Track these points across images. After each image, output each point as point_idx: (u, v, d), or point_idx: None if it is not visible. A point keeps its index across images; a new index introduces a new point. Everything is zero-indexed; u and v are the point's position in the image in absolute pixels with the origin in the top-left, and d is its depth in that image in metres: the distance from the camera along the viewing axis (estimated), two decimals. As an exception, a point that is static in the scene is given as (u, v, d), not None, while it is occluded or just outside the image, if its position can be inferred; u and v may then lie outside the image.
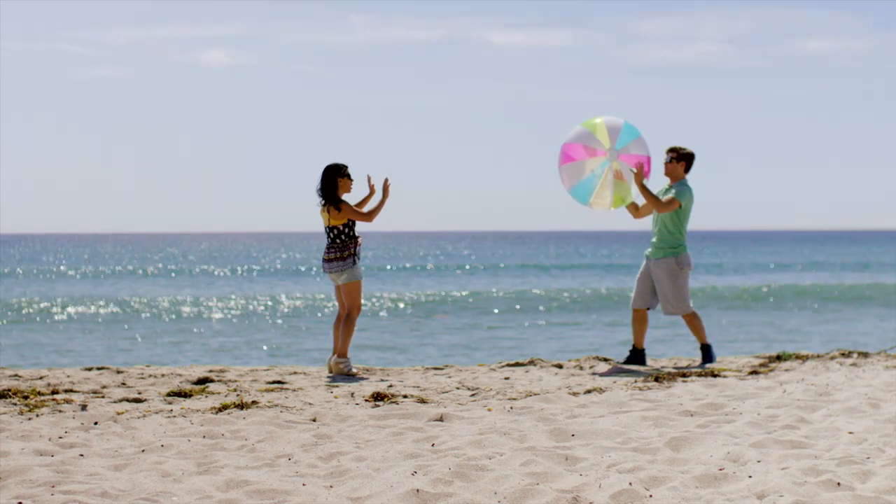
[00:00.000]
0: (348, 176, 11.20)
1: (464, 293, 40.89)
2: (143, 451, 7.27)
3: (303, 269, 64.70)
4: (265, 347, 23.63)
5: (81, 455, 7.10)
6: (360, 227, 11.40)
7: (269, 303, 36.35)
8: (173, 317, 31.23)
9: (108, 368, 11.50)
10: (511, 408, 8.88)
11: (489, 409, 8.82)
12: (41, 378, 10.67)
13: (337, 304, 11.52)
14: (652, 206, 11.51)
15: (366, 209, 11.35)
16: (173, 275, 58.73)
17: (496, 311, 32.85)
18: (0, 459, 6.90)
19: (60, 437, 7.63)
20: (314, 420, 8.41)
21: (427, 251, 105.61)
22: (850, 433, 7.57)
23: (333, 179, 11.15)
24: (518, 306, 34.46)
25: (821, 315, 30.92)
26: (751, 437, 7.48)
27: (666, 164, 11.77)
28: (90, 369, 11.45)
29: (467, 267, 67.01)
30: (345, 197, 11.22)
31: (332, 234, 11.22)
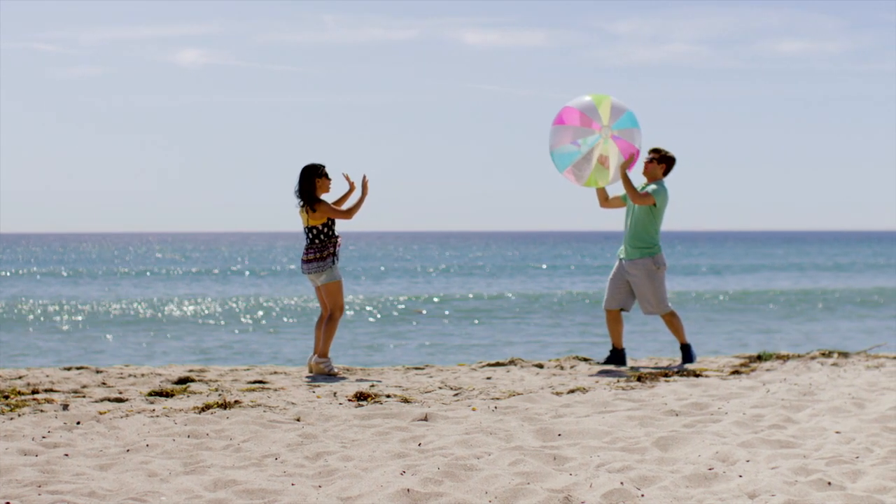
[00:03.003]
0: (326, 175, 11.15)
1: (438, 298, 40.86)
2: (127, 450, 7.20)
3: (277, 268, 64.52)
4: (240, 348, 23.54)
5: (66, 455, 7.03)
6: (340, 225, 11.35)
7: (244, 303, 36.22)
8: (145, 317, 31.07)
9: (87, 368, 11.41)
10: (495, 407, 8.86)
11: (473, 409, 8.80)
12: (20, 378, 10.58)
13: (319, 304, 11.46)
14: (629, 194, 11.48)
15: (345, 206, 11.32)
16: (148, 274, 58.44)
17: (460, 313, 32.84)
18: (-16, 459, 6.83)
19: (44, 437, 7.55)
20: (298, 420, 8.36)
21: (405, 252, 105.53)
22: (838, 433, 7.59)
23: (311, 180, 11.10)
24: (487, 310, 34.47)
25: (792, 317, 31.05)
26: (738, 437, 7.48)
27: (646, 163, 11.78)
28: (69, 369, 11.36)
29: (443, 267, 66.97)
30: (323, 196, 11.18)
31: (310, 235, 11.16)
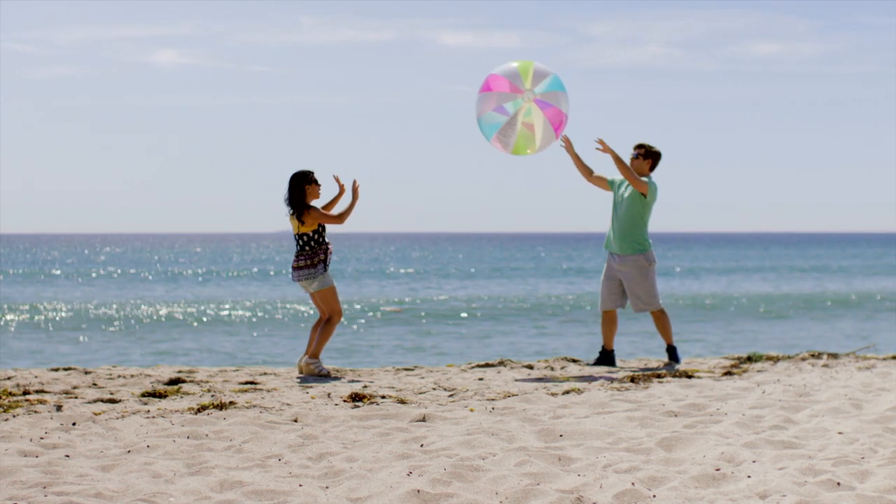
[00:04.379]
0: (315, 182, 11.08)
1: (412, 299, 40.80)
2: (128, 451, 7.13)
3: (255, 270, 64.31)
4: (218, 350, 23.43)
5: (67, 456, 6.95)
6: (330, 230, 11.28)
7: (216, 306, 36.08)
8: (119, 320, 30.89)
9: (74, 369, 11.32)
10: (492, 408, 8.82)
11: (471, 410, 8.76)
12: (9, 378, 10.48)
13: (317, 309, 11.38)
14: (626, 175, 11.44)
15: (335, 211, 11.25)
16: (115, 275, 58.14)
17: (433, 316, 32.81)
18: (-16, 460, 6.74)
19: (42, 438, 7.47)
20: (296, 420, 8.30)
21: (379, 252, 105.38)
22: (840, 433, 7.60)
23: (301, 187, 11.02)
24: (464, 314, 34.44)
25: (767, 321, 31.16)
26: (741, 438, 7.48)
27: (632, 159, 11.78)
28: (57, 370, 11.26)
29: (412, 269, 66.91)
30: (313, 203, 11.10)
31: (301, 241, 11.08)
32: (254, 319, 30.54)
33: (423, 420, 8.31)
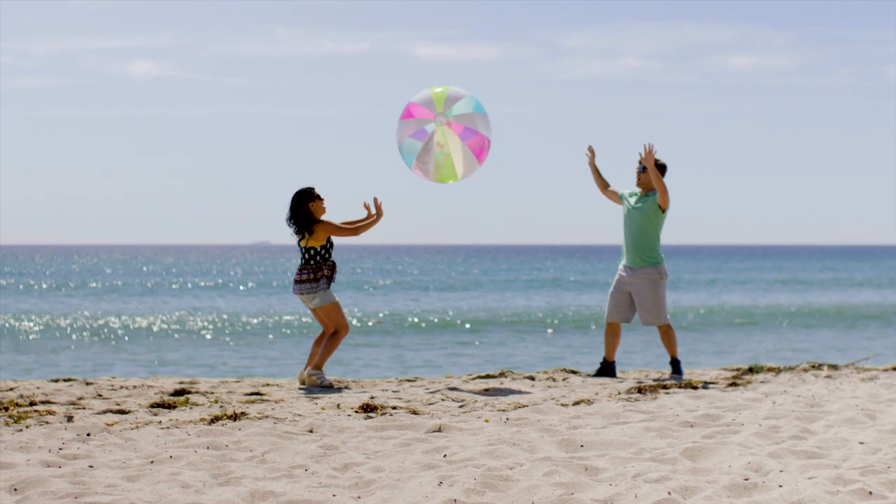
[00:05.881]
0: (318, 197, 10.99)
1: (388, 312, 40.77)
2: (151, 462, 7.07)
3: (232, 284, 64.05)
4: (203, 363, 23.32)
5: (91, 466, 6.89)
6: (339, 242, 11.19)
7: (192, 318, 35.92)
8: (98, 331, 30.70)
9: (75, 380, 11.24)
10: (507, 419, 8.81)
11: (486, 420, 8.74)
12: (11, 389, 10.38)
13: (320, 324, 11.30)
14: (658, 185, 11.44)
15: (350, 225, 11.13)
16: (93, 284, 57.77)
17: (404, 327, 32.78)
18: (10, 471, 6.67)
19: (60, 449, 7.40)
20: (311, 431, 8.26)
21: (355, 266, 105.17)
22: (861, 443, 7.62)
23: (305, 206, 10.92)
24: (435, 320, 34.41)
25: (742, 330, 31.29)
26: (763, 448, 7.48)
27: (639, 173, 11.80)
28: (57, 380, 11.18)
29: (389, 281, 66.80)
30: (324, 217, 10.98)
31: (307, 255, 10.98)
32: (228, 331, 30.42)
33: (440, 430, 8.29)
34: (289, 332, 30.48)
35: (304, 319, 33.86)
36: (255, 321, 33.83)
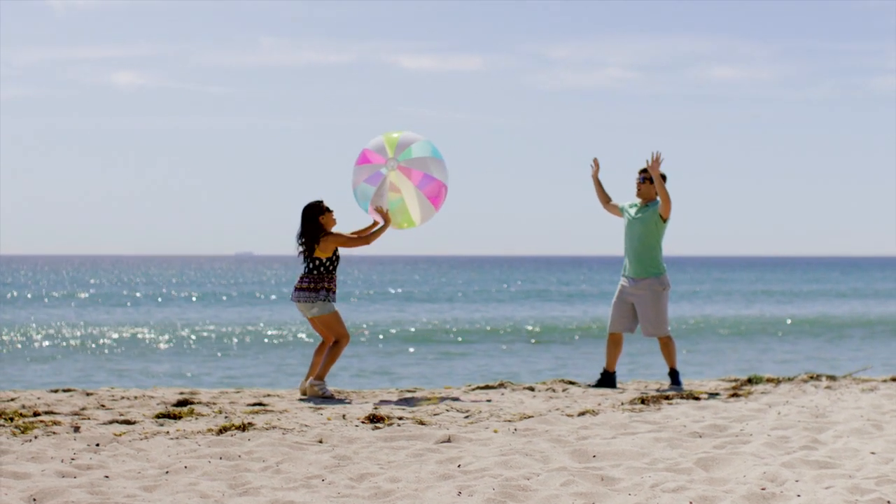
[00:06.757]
0: (328, 209, 10.96)
1: (371, 323, 40.74)
2: (166, 472, 7.05)
3: (223, 297, 63.88)
4: (190, 373, 23.26)
5: (106, 476, 6.87)
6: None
7: (176, 328, 35.83)
8: (75, 341, 30.59)
9: (75, 390, 11.20)
10: (515, 429, 8.81)
11: (495, 431, 8.74)
12: (12, 400, 10.34)
13: (319, 334, 11.28)
14: (662, 195, 11.48)
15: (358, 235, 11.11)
16: (82, 294, 57.55)
17: (385, 337, 32.77)
18: (25, 481, 6.65)
19: (73, 459, 7.37)
20: (321, 441, 8.25)
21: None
22: (873, 453, 7.65)
23: (315, 221, 10.89)
24: (412, 329, 34.42)
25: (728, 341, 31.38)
26: (776, 458, 7.51)
27: (639, 184, 11.82)
28: (57, 391, 11.13)
29: (371, 292, 66.76)
30: (335, 229, 10.95)
31: (311, 265, 10.95)
32: (225, 341, 30.35)
33: (449, 441, 8.29)
34: (277, 343, 30.43)
35: (292, 328, 33.83)
36: (238, 330, 33.76)
